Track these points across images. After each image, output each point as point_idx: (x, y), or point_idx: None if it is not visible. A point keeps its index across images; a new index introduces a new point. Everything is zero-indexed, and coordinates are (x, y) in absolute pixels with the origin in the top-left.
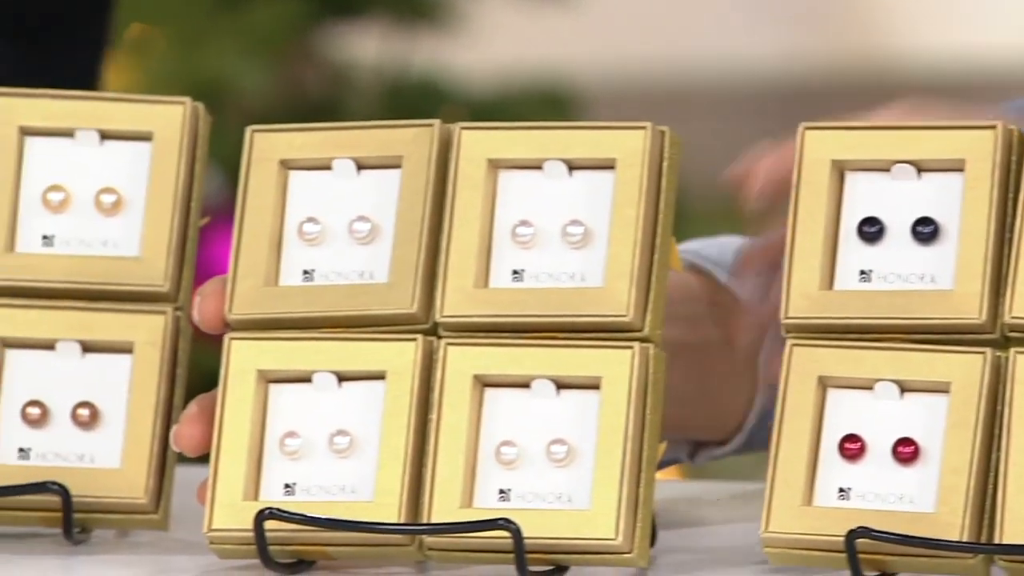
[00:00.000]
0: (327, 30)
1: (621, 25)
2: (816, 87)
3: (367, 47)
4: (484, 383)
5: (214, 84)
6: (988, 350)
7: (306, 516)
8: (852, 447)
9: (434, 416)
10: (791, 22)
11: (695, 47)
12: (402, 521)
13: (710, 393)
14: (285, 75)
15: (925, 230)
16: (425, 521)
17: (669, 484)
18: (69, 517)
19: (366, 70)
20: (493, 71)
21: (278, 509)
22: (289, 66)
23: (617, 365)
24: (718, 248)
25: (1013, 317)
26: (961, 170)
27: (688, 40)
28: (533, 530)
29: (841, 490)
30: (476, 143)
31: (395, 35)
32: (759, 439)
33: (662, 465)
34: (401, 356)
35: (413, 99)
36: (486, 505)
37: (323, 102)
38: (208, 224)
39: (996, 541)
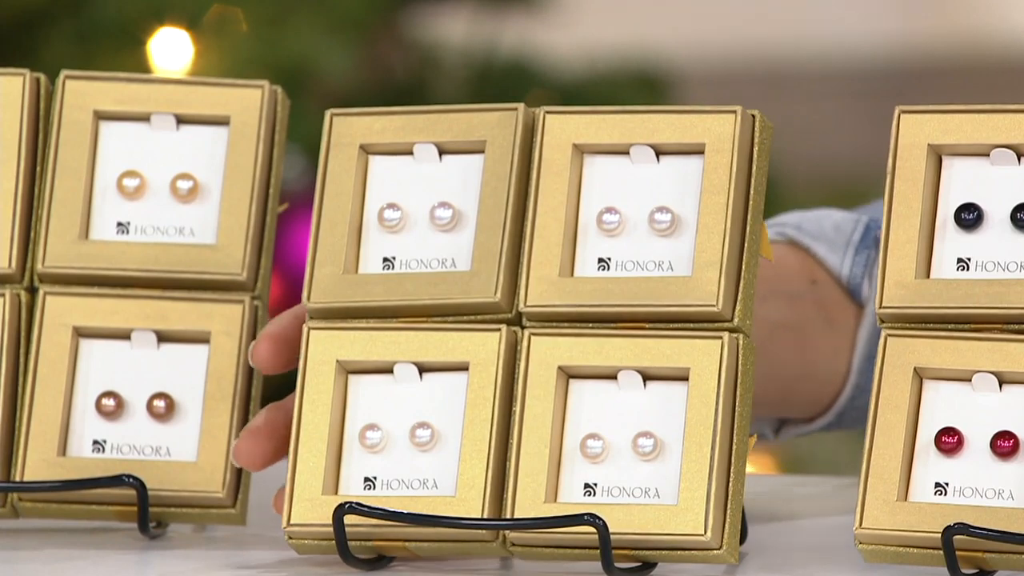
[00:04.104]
0: (414, 10)
1: (716, 3)
2: (916, 69)
3: (455, 28)
4: (569, 375)
5: (297, 66)
6: None
7: (387, 511)
8: (949, 441)
9: (518, 408)
10: (891, 2)
11: (792, 27)
12: (485, 516)
13: (807, 372)
14: (370, 57)
15: None
16: (508, 516)
17: (760, 478)
18: (145, 511)
19: (454, 52)
20: (584, 53)
21: (358, 504)
22: (374, 47)
23: (706, 356)
24: (816, 222)
25: None
26: None
27: (785, 20)
28: (619, 526)
29: (938, 485)
30: (561, 128)
31: (483, 16)
32: (848, 418)
33: None
34: (484, 347)
35: (502, 81)
36: (571, 500)
37: (409, 85)
38: (288, 210)
39: None
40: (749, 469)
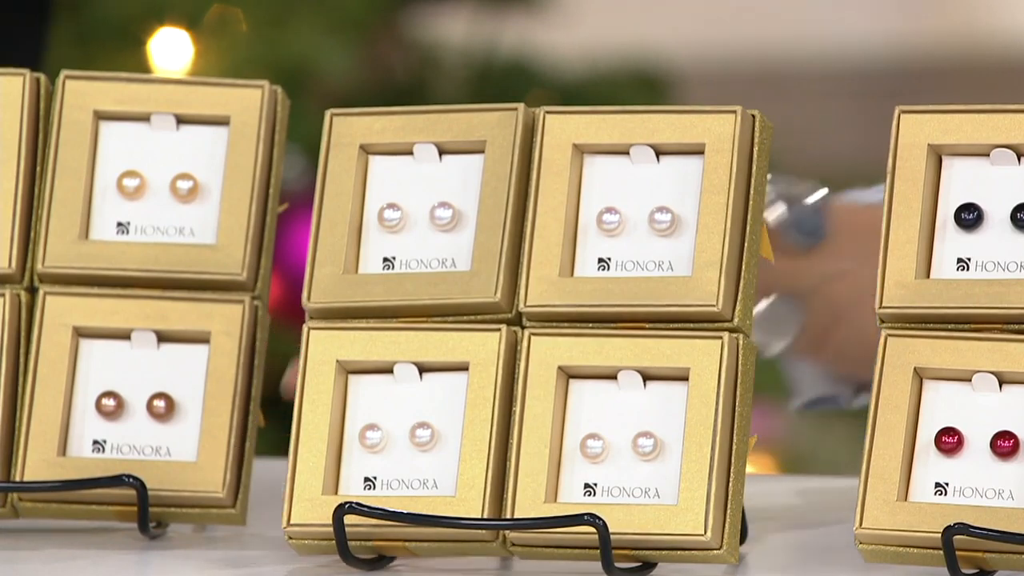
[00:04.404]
0: (414, 10)
1: (716, 3)
2: (916, 69)
3: (455, 28)
4: (569, 375)
5: (297, 66)
6: None
7: (387, 511)
8: (949, 441)
9: (518, 408)
10: (890, 2)
11: (792, 27)
12: (485, 516)
13: None
14: (371, 57)
15: None
16: (508, 516)
17: (760, 478)
18: (145, 511)
19: (454, 52)
20: (584, 53)
21: (358, 504)
22: (375, 47)
23: (706, 356)
24: None
25: None
26: None
27: (785, 20)
28: (619, 526)
29: (938, 485)
30: (561, 127)
31: (484, 16)
32: None
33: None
34: (484, 347)
35: (502, 81)
36: (571, 500)
37: (409, 85)
38: (288, 210)
39: None
40: (749, 469)
